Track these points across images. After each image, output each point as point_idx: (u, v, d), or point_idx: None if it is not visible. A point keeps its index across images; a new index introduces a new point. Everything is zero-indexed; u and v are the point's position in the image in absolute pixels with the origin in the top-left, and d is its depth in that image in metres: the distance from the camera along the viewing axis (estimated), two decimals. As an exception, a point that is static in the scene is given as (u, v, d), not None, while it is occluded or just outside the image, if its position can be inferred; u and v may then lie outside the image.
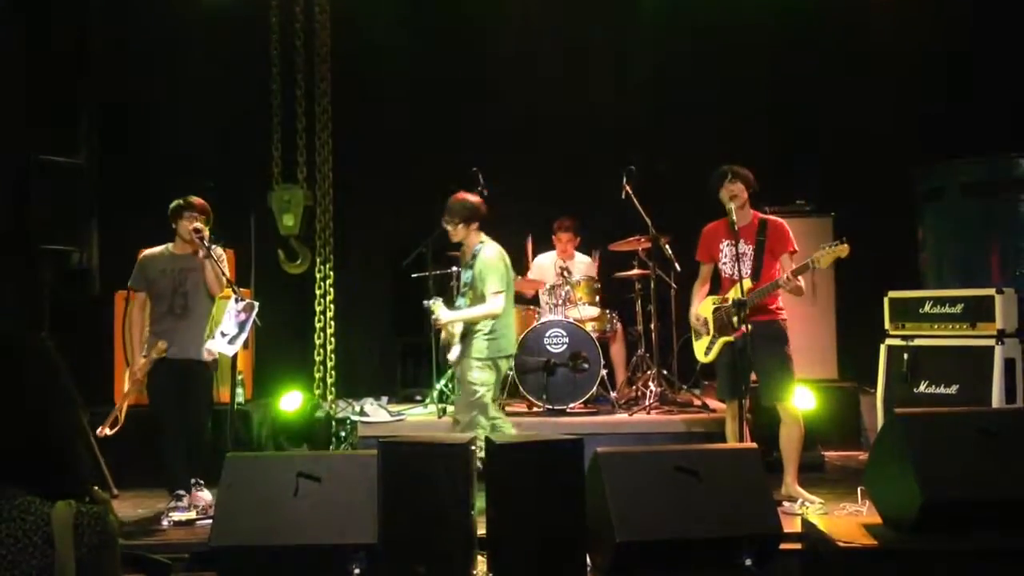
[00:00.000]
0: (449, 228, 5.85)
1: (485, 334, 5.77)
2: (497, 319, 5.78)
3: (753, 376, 5.80)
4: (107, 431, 5.41)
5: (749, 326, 5.34)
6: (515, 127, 8.40)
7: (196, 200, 5.69)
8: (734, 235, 5.58)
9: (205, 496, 5.53)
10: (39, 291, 6.80)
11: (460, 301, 5.86)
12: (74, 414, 1.83)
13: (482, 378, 5.74)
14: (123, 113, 7.72)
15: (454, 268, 7.05)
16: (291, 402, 7.11)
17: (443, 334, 5.99)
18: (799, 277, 5.37)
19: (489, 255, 5.81)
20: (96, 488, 1.82)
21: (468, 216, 5.81)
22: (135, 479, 5.97)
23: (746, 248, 5.58)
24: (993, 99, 7.32)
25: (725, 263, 5.72)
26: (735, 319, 5.39)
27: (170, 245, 5.80)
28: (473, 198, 5.92)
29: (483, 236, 5.90)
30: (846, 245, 5.30)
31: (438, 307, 5.81)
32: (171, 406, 5.62)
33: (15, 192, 6.83)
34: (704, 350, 5.80)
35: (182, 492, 5.53)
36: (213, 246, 5.57)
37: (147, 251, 5.83)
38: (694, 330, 5.90)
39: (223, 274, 5.55)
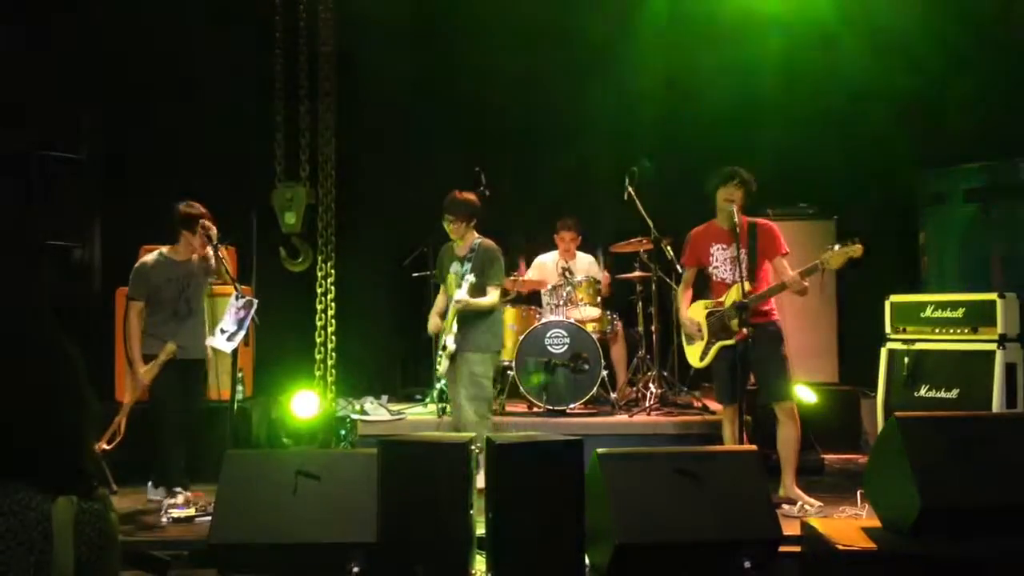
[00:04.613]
0: (452, 227, 5.98)
1: (486, 328, 5.98)
2: (494, 313, 6.02)
3: (752, 379, 5.82)
4: (105, 446, 5.52)
5: (752, 328, 5.35)
6: (518, 127, 8.39)
7: (201, 209, 5.84)
8: (731, 238, 5.56)
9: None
10: (40, 287, 6.81)
11: (460, 293, 5.89)
12: (84, 409, 1.82)
13: (486, 371, 5.96)
14: (126, 110, 7.72)
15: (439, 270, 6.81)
16: (306, 407, 6.97)
17: (440, 323, 6.07)
18: (804, 279, 5.38)
19: (492, 250, 6.02)
20: (97, 485, 1.81)
21: (471, 214, 6.00)
22: (134, 476, 5.97)
23: (741, 252, 5.57)
24: (995, 104, 7.31)
25: (717, 267, 5.71)
26: (735, 322, 5.38)
27: (165, 250, 5.90)
28: (471, 196, 6.06)
29: (476, 233, 6.07)
30: (860, 245, 5.22)
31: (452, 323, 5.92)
32: (176, 405, 5.78)
33: (17, 188, 6.83)
34: (699, 355, 5.78)
35: (179, 489, 5.61)
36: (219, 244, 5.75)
37: (146, 259, 5.88)
38: (687, 335, 5.89)
39: (227, 272, 5.73)
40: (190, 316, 5.87)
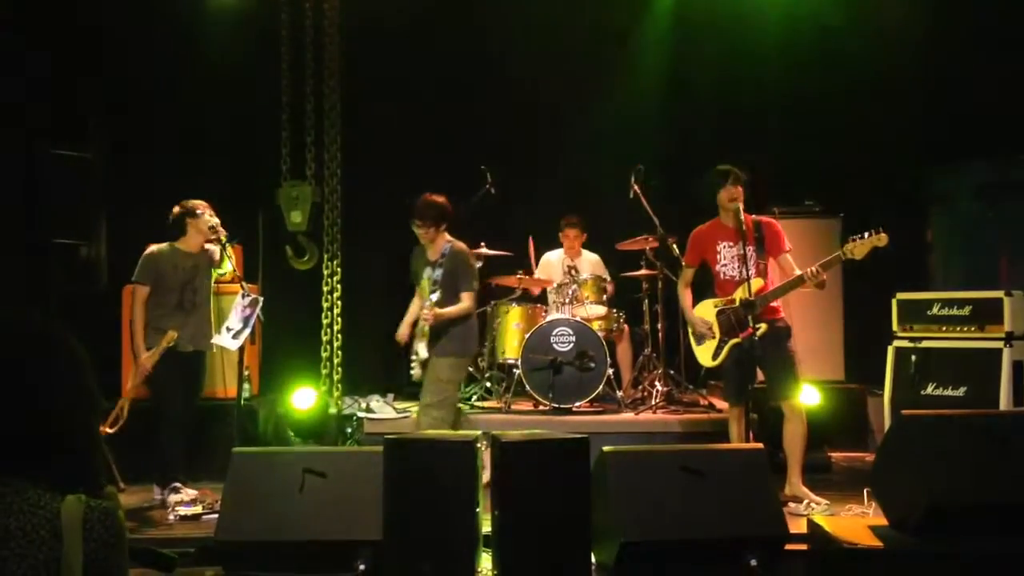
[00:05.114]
0: (421, 231, 5.85)
1: (459, 332, 5.86)
2: (469, 318, 5.90)
3: (759, 376, 5.81)
4: (108, 429, 5.51)
5: (764, 325, 5.35)
6: (523, 126, 8.38)
7: (204, 203, 5.91)
8: (738, 236, 5.54)
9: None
10: (47, 284, 6.82)
11: (433, 298, 5.83)
12: (92, 408, 1.82)
13: (454, 376, 5.87)
14: (133, 108, 7.73)
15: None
16: (304, 399, 7.09)
17: (417, 330, 5.94)
18: (825, 271, 5.36)
19: (463, 254, 5.91)
20: (105, 483, 1.82)
21: (440, 217, 5.85)
22: (141, 473, 5.99)
23: (748, 249, 5.56)
24: (1001, 100, 7.29)
25: (725, 264, 5.69)
26: (748, 319, 5.36)
27: (173, 243, 5.90)
28: (441, 199, 5.92)
29: (448, 236, 5.94)
30: (885, 234, 5.23)
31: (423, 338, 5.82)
32: (177, 397, 5.78)
33: (24, 185, 6.85)
34: (712, 354, 5.74)
35: (179, 484, 5.63)
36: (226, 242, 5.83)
37: (153, 248, 5.90)
38: (696, 334, 5.86)
39: (233, 269, 5.84)
40: (195, 309, 5.87)
